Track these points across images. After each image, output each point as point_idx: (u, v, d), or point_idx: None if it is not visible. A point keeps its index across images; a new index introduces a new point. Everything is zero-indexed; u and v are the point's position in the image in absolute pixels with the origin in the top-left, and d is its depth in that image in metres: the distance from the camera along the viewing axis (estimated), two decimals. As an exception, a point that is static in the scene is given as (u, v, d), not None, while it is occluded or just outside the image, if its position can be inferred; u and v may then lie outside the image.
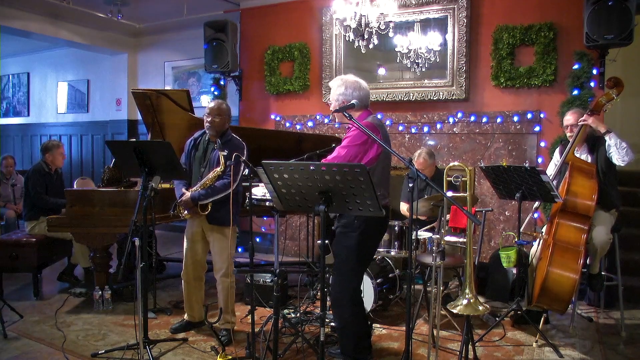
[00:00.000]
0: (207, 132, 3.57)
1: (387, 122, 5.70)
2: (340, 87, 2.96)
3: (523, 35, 4.97)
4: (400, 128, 5.69)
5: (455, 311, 2.92)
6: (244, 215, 4.11)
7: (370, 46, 4.37)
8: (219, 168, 3.44)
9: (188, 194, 3.45)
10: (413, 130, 5.63)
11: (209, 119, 3.49)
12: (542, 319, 3.75)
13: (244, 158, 3.41)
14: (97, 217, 4.13)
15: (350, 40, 4.38)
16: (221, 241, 3.55)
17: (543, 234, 3.76)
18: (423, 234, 4.17)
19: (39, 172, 4.88)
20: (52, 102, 9.12)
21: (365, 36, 4.20)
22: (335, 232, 3.05)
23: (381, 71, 5.71)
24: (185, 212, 3.53)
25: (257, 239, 6.52)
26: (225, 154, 3.40)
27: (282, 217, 6.10)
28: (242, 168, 3.39)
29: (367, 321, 3.15)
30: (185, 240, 3.69)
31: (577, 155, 3.80)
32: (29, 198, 4.83)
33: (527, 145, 5.10)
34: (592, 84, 4.68)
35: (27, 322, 3.93)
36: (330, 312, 3.77)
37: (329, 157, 2.91)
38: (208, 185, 3.44)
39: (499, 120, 5.18)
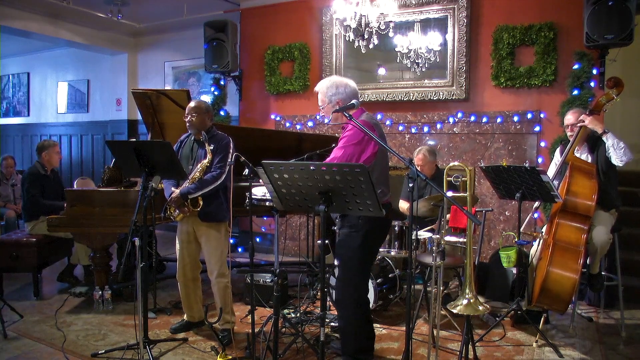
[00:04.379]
0: (190, 131, 3.59)
1: (387, 122, 5.70)
2: (331, 88, 2.96)
3: (523, 35, 4.97)
4: (400, 128, 5.69)
5: (455, 311, 2.92)
6: (243, 215, 4.10)
7: (370, 46, 4.37)
8: (206, 160, 3.45)
9: (177, 191, 3.45)
10: (413, 130, 5.63)
11: (187, 118, 3.51)
12: (542, 319, 3.75)
13: (233, 152, 3.43)
14: (97, 217, 4.13)
15: (350, 40, 4.38)
16: (213, 240, 3.54)
17: (543, 234, 3.76)
18: (423, 234, 4.17)
19: (34, 175, 4.84)
20: (52, 102, 9.11)
21: (365, 36, 4.20)
22: (339, 232, 3.05)
23: (381, 71, 5.71)
24: (177, 212, 3.51)
25: (257, 239, 6.52)
26: (212, 148, 3.45)
27: (282, 217, 6.09)
28: (230, 160, 3.42)
29: (372, 323, 3.14)
30: (177, 241, 3.68)
31: (578, 155, 3.80)
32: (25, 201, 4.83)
33: (527, 145, 5.10)
34: (592, 84, 4.68)
35: (27, 322, 3.93)
36: (331, 311, 3.78)
37: (328, 159, 2.91)
38: (197, 178, 3.44)
39: (499, 120, 5.18)
